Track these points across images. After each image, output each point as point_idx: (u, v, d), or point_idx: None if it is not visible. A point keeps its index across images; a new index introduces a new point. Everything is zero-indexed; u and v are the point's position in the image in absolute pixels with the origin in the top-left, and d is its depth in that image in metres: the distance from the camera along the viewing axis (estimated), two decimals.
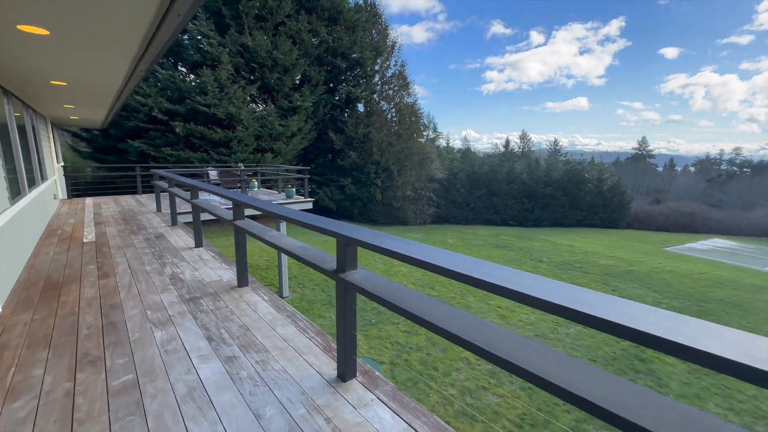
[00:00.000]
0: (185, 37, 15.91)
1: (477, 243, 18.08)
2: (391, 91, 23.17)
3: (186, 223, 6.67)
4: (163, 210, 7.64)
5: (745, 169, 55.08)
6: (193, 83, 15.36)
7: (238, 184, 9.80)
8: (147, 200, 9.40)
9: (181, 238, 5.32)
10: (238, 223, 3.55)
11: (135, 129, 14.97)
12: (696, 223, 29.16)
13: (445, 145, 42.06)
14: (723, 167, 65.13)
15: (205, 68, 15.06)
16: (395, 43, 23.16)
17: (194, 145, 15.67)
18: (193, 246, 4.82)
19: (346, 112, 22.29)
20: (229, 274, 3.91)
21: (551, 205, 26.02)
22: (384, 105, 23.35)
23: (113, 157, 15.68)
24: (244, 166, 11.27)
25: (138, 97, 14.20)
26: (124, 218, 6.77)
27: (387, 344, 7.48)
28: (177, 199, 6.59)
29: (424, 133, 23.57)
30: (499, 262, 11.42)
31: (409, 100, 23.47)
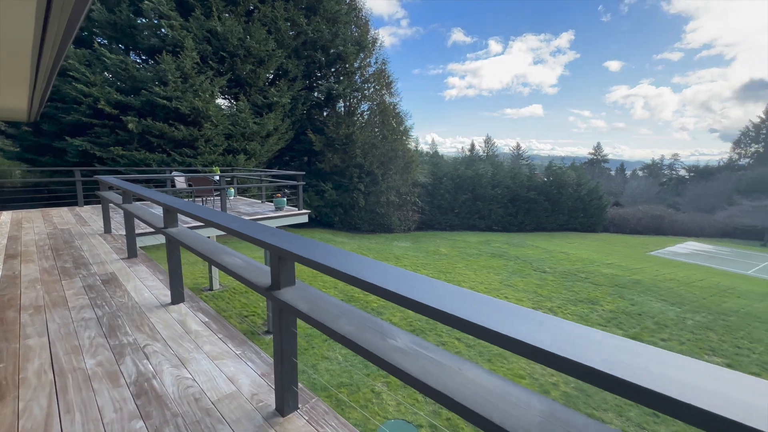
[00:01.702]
0: (140, 18, 13.47)
1: (471, 252, 17.00)
2: (372, 90, 21.69)
3: (153, 249, 4.77)
4: (114, 231, 5.62)
5: (692, 174, 59.15)
6: (150, 72, 12.99)
7: (216, 194, 7.86)
8: (91, 215, 7.21)
9: (147, 282, 3.49)
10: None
11: (76, 124, 12.38)
12: (664, 225, 30.23)
13: (415, 148, 41.22)
14: (664, 171, 70.03)
15: (165, 54, 12.76)
16: (376, 39, 21.73)
17: (151, 145, 13.27)
18: (169, 300, 3.04)
19: (326, 111, 20.51)
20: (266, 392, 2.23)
21: (534, 210, 25.70)
22: (365, 104, 21.85)
23: (48, 158, 12.92)
24: (220, 171, 9.29)
25: (79, 85, 11.68)
26: (54, 246, 4.73)
27: (419, 397, 5.95)
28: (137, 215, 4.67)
29: (408, 135, 22.28)
30: (504, 274, 10.18)
31: (392, 100, 22.11)
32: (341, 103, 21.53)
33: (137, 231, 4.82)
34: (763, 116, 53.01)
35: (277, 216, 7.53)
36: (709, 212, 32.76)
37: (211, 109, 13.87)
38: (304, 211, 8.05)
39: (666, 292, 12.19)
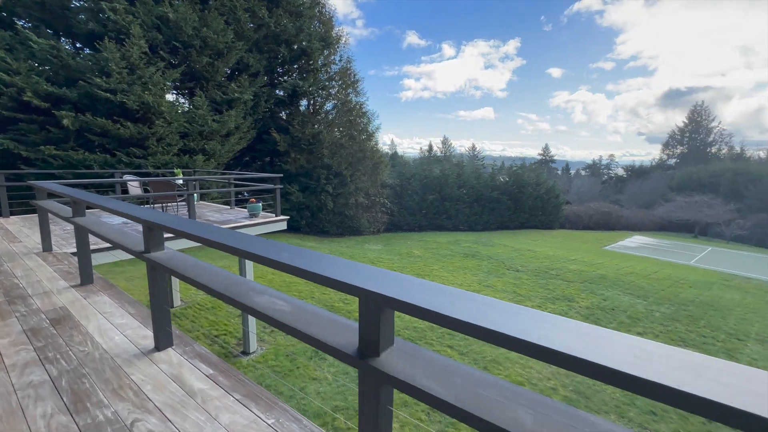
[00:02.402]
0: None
1: (443, 253, 16.96)
2: (337, 88, 21.00)
3: (108, 269, 3.87)
4: (56, 249, 4.59)
5: (629, 173, 64.60)
6: (89, 61, 11.38)
7: (180, 200, 6.88)
8: (21, 228, 5.95)
9: (116, 319, 2.72)
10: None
11: None
12: (612, 221, 32.55)
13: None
14: (603, 170, 76.28)
15: (107, 41, 11.23)
16: (340, 36, 21.07)
17: (92, 144, 11.65)
18: (152, 345, 2.34)
19: (290, 109, 19.50)
20: None
21: (498, 209, 26.44)
22: (331, 103, 21.12)
23: None
24: (182, 174, 8.20)
25: None
26: None
27: (422, 416, 5.50)
28: (96, 225, 3.76)
29: (375, 135, 21.87)
30: (480, 275, 10.09)
31: (358, 99, 21.56)
32: (305, 101, 20.65)
33: (95, 246, 3.90)
34: (686, 121, 59.35)
35: (253, 224, 6.74)
36: (648, 208, 35.81)
37: (163, 105, 12.48)
38: (282, 217, 7.32)
39: (630, 285, 12.86)
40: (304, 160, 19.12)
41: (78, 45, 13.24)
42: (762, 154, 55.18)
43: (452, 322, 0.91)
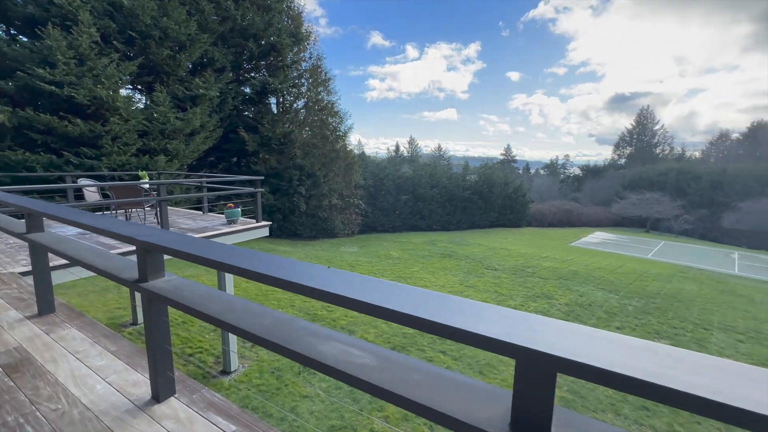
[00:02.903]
0: None
1: (421, 254, 16.88)
2: (307, 86, 20.32)
3: (67, 290, 3.24)
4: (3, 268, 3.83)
5: (585, 172, 68.47)
6: (30, 49, 10.08)
7: (148, 207, 6.13)
8: None
9: (92, 359, 2.20)
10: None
11: None
12: (573, 218, 34.23)
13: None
14: (560, 170, 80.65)
15: (51, 28, 9.99)
16: (310, 33, 20.41)
17: (34, 143, 10.34)
18: (149, 395, 1.88)
19: (259, 107, 18.60)
20: None
21: (470, 209, 26.89)
22: (301, 101, 20.41)
23: None
24: (148, 177, 7.32)
25: None
26: None
27: (425, 429, 5.24)
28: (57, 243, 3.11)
29: (348, 135, 21.39)
30: (460, 275, 10.07)
31: (330, 98, 20.99)
32: (273, 99, 19.80)
33: (55, 264, 3.24)
34: (634, 124, 63.91)
35: (232, 231, 6.17)
36: (605, 205, 38.05)
37: (119, 100, 11.34)
38: (264, 222, 6.78)
39: (600, 281, 13.41)
40: (274, 161, 18.30)
41: (13, 31, 11.73)
42: (698, 154, 60.70)
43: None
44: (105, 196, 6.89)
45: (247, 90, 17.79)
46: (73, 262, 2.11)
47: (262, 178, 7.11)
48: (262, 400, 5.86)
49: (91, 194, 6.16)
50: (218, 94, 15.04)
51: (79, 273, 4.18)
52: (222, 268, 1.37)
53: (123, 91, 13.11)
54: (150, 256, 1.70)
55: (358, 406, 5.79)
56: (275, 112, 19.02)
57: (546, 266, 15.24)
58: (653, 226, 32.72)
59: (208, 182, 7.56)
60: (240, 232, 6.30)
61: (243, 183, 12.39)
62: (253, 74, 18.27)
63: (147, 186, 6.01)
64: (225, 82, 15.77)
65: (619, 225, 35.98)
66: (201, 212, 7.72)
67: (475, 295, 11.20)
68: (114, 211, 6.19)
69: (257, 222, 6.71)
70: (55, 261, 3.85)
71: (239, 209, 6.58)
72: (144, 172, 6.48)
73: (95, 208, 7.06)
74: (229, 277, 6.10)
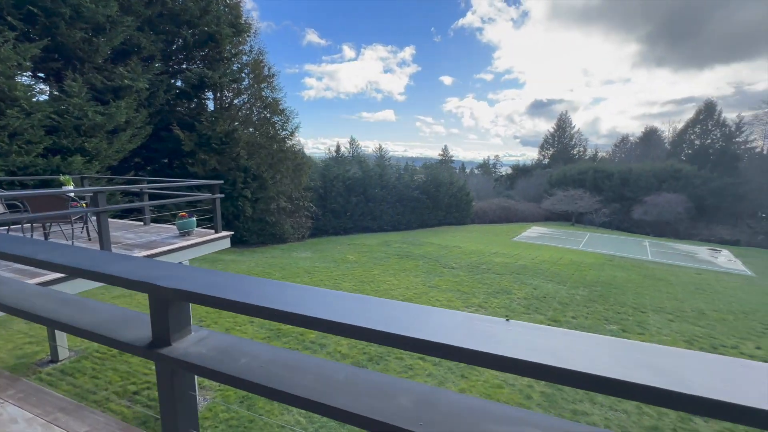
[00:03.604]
0: None
1: (378, 256, 16.65)
2: (249, 82, 18.94)
3: None
4: None
5: (516, 172, 74.00)
6: None
7: (75, 219, 4.96)
8: None
9: None
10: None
11: None
12: (510, 214, 36.70)
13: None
14: (492, 169, 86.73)
15: None
16: (250, 24, 19.04)
17: None
18: None
19: (196, 102, 16.84)
20: None
21: (419, 208, 27.35)
22: (243, 97, 18.95)
23: None
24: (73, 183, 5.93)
25: None
26: None
27: None
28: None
29: (296, 134, 20.34)
30: (421, 276, 10.24)
31: (275, 95, 19.79)
32: (213, 94, 18.10)
33: None
34: (555, 128, 70.70)
35: (190, 244, 5.30)
36: (536, 201, 41.40)
37: (18, 89, 9.36)
38: (224, 233, 5.97)
39: (548, 273, 14.37)
40: (215, 162, 16.70)
41: None
42: (605, 155, 69.08)
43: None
44: (11, 207, 5.51)
45: (182, 83, 15.98)
46: (39, 320, 1.44)
47: (222, 182, 6.24)
48: None
49: None
50: (147, 86, 13.24)
51: None
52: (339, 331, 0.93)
53: (22, 79, 10.90)
54: (174, 307, 1.16)
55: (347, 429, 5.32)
56: (214, 108, 17.38)
57: (498, 262, 15.95)
58: (577, 220, 36.39)
59: (150, 188, 6.44)
60: (197, 246, 5.44)
61: (192, 188, 11.04)
62: (187, 65, 16.47)
63: (72, 194, 4.87)
64: (154, 72, 13.95)
65: (548, 219, 39.38)
66: (142, 223, 6.57)
67: (440, 296, 11.25)
68: (24, 227, 4.92)
69: (216, 233, 5.87)
70: None
71: (194, 219, 5.70)
72: (66, 176, 5.27)
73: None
74: None
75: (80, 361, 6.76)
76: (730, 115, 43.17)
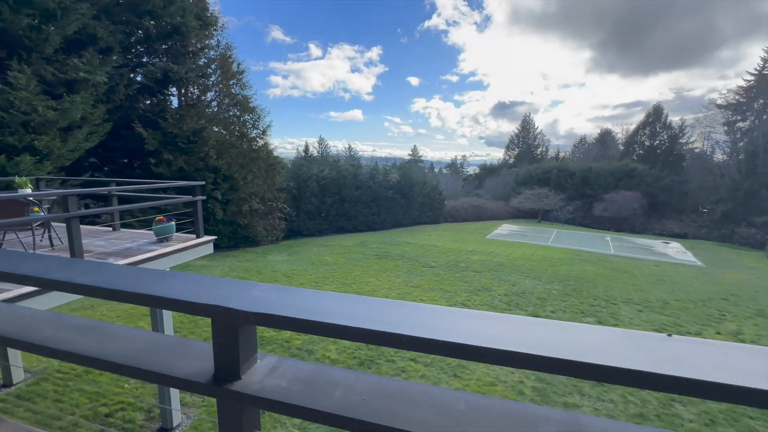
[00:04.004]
0: None
1: (356, 257, 16.44)
2: (216, 78, 18.07)
3: None
4: None
5: (483, 171, 76.10)
6: None
7: (37, 227, 4.39)
8: None
9: None
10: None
11: None
12: (481, 212, 37.65)
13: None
14: (459, 169, 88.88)
15: None
16: (217, 17, 18.17)
17: None
18: None
19: (160, 98, 15.81)
20: None
21: (393, 208, 27.36)
22: (211, 94, 18.07)
23: None
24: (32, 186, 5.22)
25: None
26: None
27: None
28: None
29: (268, 134, 19.63)
30: (402, 276, 10.37)
31: (244, 92, 19.02)
32: (175, 90, 17.08)
33: None
34: (519, 129, 73.47)
35: (170, 251, 4.90)
36: (504, 200, 42.76)
37: None
38: (207, 237, 5.58)
39: (523, 269, 14.81)
40: (182, 162, 15.77)
41: None
42: (565, 155, 72.70)
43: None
44: None
45: (145, 77, 14.93)
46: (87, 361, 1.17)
47: (203, 183, 5.83)
48: None
49: None
50: (106, 79, 12.23)
51: None
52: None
53: None
54: (244, 332, 0.97)
55: None
56: (179, 105, 16.41)
57: (475, 260, 16.25)
58: (543, 217, 37.97)
59: (121, 191, 5.88)
60: (178, 252, 5.03)
61: (158, 191, 10.31)
62: (149, 59, 15.41)
63: (30, 198, 4.31)
64: (113, 65, 12.92)
65: (515, 217, 40.79)
66: (111, 229, 6.00)
67: (423, 295, 11.25)
68: None
69: (198, 237, 5.47)
70: None
71: (173, 223, 5.28)
72: (23, 178, 4.67)
73: None
74: (168, 315, 4.81)
75: (39, 384, 6.08)
76: (674, 119, 46.72)
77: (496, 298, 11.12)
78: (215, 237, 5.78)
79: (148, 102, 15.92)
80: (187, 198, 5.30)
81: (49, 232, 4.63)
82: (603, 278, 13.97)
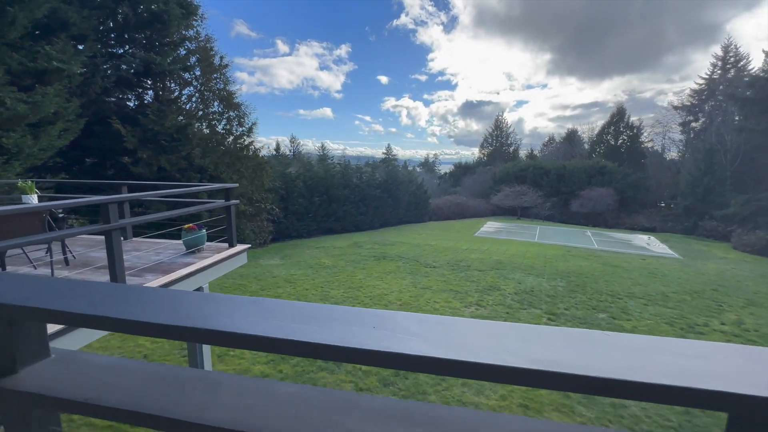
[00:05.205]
0: None
1: (354, 258, 15.96)
2: (199, 71, 16.92)
3: None
4: None
5: (459, 169, 77.19)
6: None
7: (52, 236, 3.66)
8: None
9: None
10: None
11: None
12: (464, 210, 38.08)
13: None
14: (433, 167, 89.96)
15: None
16: (198, 6, 16.99)
17: None
18: None
19: (139, 92, 14.55)
20: None
21: (381, 207, 27.00)
22: (191, 88, 16.90)
23: None
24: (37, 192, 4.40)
25: None
26: None
27: None
28: None
29: (254, 132, 18.64)
30: (408, 277, 10.37)
31: (229, 87, 17.95)
32: (153, 83, 15.79)
33: None
34: (493, 128, 75.22)
35: (208, 264, 4.31)
36: (483, 197, 43.51)
37: None
38: (241, 247, 5.01)
39: (523, 267, 14.94)
40: (164, 161, 14.58)
41: None
42: (536, 153, 75.27)
43: None
44: None
45: (123, 69, 13.63)
46: None
47: (236, 185, 5.23)
48: None
49: None
50: (80, 70, 11.00)
51: None
52: None
53: None
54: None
55: None
56: (160, 99, 15.17)
57: (474, 258, 16.23)
58: (523, 214, 38.98)
59: (156, 196, 5.13)
60: (215, 265, 4.44)
61: (186, 195, 9.33)
62: (127, 49, 14.11)
63: (59, 210, 3.57)
64: (87, 54, 11.66)
65: (495, 214, 41.63)
66: (122, 238, 5.25)
67: (435, 297, 11.00)
68: None
69: (232, 246, 4.89)
70: None
71: (204, 231, 4.68)
72: (28, 183, 3.90)
73: None
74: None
75: None
76: (633, 119, 49.56)
77: (507, 297, 11.06)
78: (249, 246, 5.19)
79: (127, 96, 14.60)
80: (220, 203, 4.70)
81: (64, 247, 3.91)
82: (600, 273, 14.34)
